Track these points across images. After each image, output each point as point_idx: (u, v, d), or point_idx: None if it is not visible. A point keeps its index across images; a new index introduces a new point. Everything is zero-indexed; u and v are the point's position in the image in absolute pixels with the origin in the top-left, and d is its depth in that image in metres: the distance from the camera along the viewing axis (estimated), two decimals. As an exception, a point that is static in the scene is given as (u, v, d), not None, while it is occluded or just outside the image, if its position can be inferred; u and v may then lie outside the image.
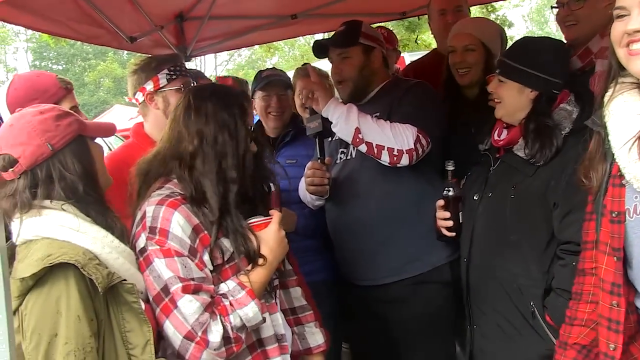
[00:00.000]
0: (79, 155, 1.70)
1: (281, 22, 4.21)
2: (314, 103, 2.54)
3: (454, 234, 2.38)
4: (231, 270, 1.81)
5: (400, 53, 4.44)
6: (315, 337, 2.13)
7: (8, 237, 1.62)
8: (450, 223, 2.37)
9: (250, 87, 3.36)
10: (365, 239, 2.62)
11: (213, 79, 4.21)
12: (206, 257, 1.76)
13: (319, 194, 2.65)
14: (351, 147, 2.61)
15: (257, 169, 1.92)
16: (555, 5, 2.60)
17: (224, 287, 1.78)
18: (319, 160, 2.64)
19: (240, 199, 1.83)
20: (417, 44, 12.30)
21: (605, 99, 1.55)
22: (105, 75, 34.90)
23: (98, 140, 1.85)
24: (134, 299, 1.61)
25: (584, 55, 2.48)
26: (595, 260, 1.62)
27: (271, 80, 3.08)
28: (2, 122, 2.24)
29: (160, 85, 2.37)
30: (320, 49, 2.74)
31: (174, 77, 2.38)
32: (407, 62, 5.99)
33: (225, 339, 1.69)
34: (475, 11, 10.02)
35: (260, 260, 1.83)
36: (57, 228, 1.60)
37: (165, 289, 1.68)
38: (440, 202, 2.39)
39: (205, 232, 1.77)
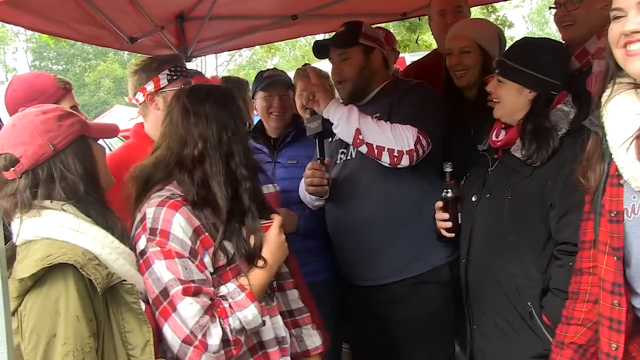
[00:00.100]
0: (80, 155, 1.69)
1: (282, 23, 4.21)
2: (315, 105, 2.55)
3: (453, 234, 2.38)
4: (232, 273, 1.80)
5: (398, 53, 4.44)
6: (313, 339, 2.12)
7: (8, 237, 1.63)
8: (449, 224, 2.38)
9: (251, 87, 3.37)
10: (366, 240, 2.61)
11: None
12: (207, 259, 1.75)
13: (318, 194, 2.65)
14: (351, 147, 2.61)
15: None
16: (553, 5, 2.61)
17: (223, 289, 1.77)
18: (319, 161, 2.64)
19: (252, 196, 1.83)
20: (417, 44, 12.28)
21: (603, 99, 1.55)
22: (105, 75, 34.79)
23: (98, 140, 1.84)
24: (133, 300, 1.60)
25: (581, 56, 2.49)
26: (594, 260, 1.62)
27: (273, 80, 3.09)
28: (1, 123, 2.24)
29: (161, 86, 2.36)
30: (320, 50, 2.74)
31: (174, 77, 2.38)
32: (408, 62, 5.97)
33: (225, 341, 1.67)
34: (476, 12, 10.04)
35: (260, 262, 1.82)
36: (57, 228, 1.60)
37: (164, 292, 1.67)
38: (439, 204, 2.40)
39: (206, 234, 1.76)
